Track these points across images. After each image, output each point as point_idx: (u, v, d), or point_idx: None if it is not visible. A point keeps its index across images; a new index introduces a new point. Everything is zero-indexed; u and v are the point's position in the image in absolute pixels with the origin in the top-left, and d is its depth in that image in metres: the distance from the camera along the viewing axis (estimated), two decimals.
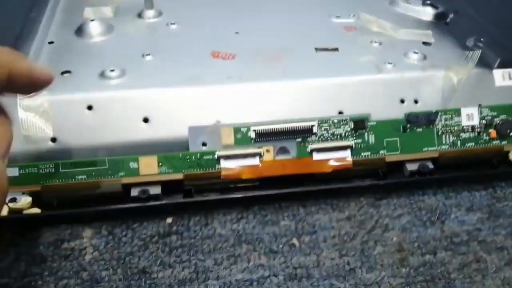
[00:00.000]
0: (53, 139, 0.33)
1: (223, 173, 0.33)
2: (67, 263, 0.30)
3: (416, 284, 0.29)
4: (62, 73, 0.35)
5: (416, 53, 0.37)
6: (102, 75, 0.35)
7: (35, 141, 0.32)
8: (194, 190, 0.33)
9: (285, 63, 0.37)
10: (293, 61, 0.37)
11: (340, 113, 0.35)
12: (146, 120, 0.33)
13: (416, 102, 0.36)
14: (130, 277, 0.29)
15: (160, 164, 0.32)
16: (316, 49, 0.38)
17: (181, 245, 0.31)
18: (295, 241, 0.31)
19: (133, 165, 0.32)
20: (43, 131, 0.33)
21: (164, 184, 0.32)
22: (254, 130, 0.33)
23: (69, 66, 0.36)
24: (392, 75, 0.36)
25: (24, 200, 0.31)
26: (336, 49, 0.38)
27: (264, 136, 0.33)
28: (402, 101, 0.36)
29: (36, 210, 0.32)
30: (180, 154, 0.33)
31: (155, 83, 0.34)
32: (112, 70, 0.35)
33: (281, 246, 0.31)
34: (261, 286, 0.29)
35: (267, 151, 0.33)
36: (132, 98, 0.34)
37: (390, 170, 0.34)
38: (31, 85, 0.25)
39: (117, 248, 0.31)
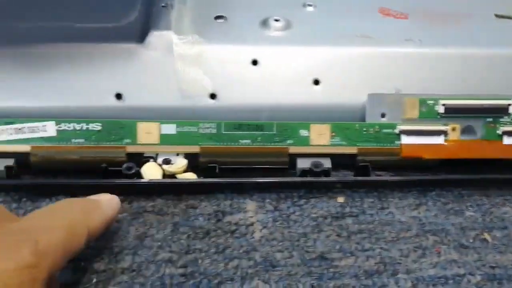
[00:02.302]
0: (213, 95, 0.29)
1: (404, 150, 0.29)
2: (234, 240, 0.26)
3: None
4: (216, 17, 0.31)
5: None
6: (265, 24, 0.30)
7: (192, 96, 0.28)
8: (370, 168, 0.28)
9: (464, 27, 0.32)
10: (471, 26, 0.32)
11: None
12: (317, 82, 0.29)
13: None
14: (309, 263, 0.25)
15: (333, 134, 0.28)
16: (497, 15, 0.34)
17: (359, 230, 0.27)
18: (486, 235, 0.28)
19: (303, 132, 0.28)
20: (202, 86, 0.28)
21: (333, 157, 0.29)
22: (444, 104, 0.29)
23: (222, 10, 0.31)
24: None
25: (180, 163, 0.27)
26: None
27: (452, 112, 0.29)
28: None
29: (191, 176, 0.28)
30: (357, 125, 0.28)
31: (325, 40, 0.30)
32: (276, 20, 0.30)
33: (471, 240, 0.27)
34: (457, 285, 0.25)
35: (453, 129, 0.29)
36: (302, 56, 0.29)
37: None
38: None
39: (287, 227, 0.27)
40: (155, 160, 0.27)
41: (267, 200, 0.28)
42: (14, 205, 0.26)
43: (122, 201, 0.27)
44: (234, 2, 0.31)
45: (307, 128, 0.28)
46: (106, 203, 0.23)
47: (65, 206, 0.22)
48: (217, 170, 0.27)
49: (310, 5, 0.32)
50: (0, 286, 0.17)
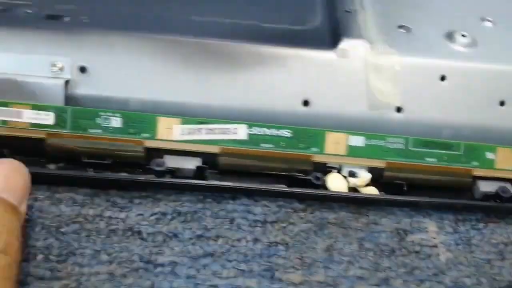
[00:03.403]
0: (398, 109, 0.28)
1: None
2: (420, 261, 0.26)
3: None
4: (399, 27, 0.30)
5: None
6: (451, 38, 0.29)
7: (380, 108, 0.28)
8: None
9: None
10: None
11: None
12: (502, 103, 0.28)
13: None
14: None
15: None
16: None
17: None
18: None
19: (489, 155, 0.27)
20: (391, 98, 0.28)
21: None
22: None
23: (403, 19, 0.30)
24: None
25: (364, 176, 0.27)
26: None
27: None
28: None
29: (374, 190, 0.27)
30: None
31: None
32: (463, 36, 0.29)
33: None
34: None
35: None
36: (489, 75, 0.28)
37: None
38: None
39: (470, 251, 0.26)
40: (338, 171, 0.27)
41: (446, 221, 0.27)
42: (199, 205, 0.26)
43: (304, 210, 0.27)
44: (415, 12, 0.30)
45: (494, 150, 0.27)
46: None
47: None
48: (405, 188, 0.27)
49: (489, 21, 0.31)
50: None
